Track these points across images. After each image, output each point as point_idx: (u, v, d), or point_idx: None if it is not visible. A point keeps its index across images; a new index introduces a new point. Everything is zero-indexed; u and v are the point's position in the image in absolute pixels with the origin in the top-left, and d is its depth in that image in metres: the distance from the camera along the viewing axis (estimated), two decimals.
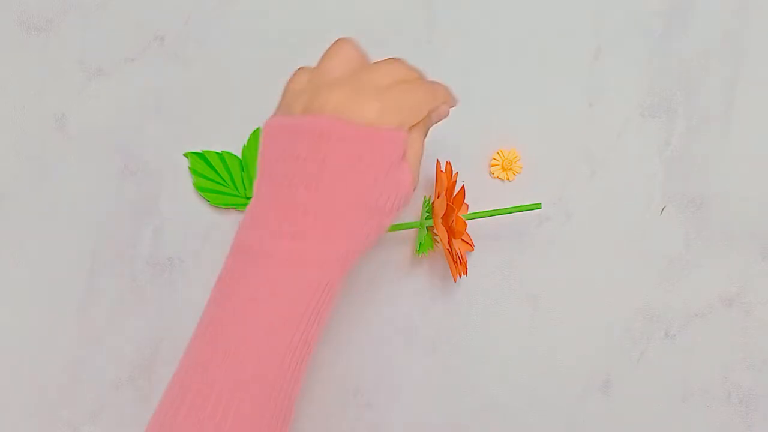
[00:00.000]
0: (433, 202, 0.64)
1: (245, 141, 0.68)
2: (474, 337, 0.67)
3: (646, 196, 0.68)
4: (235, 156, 0.68)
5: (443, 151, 0.67)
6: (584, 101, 0.68)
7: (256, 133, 0.68)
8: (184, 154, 0.68)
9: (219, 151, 0.68)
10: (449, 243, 0.62)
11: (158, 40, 0.69)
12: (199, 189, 0.68)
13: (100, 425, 0.67)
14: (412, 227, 0.65)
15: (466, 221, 0.63)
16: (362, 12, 0.69)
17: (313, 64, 0.52)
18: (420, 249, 0.65)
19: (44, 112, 0.69)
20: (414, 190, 0.51)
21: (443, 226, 0.62)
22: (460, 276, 0.64)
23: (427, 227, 0.65)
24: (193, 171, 0.68)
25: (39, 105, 0.69)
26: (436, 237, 0.65)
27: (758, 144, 0.68)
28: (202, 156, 0.68)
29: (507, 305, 0.67)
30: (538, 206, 0.63)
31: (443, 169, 0.64)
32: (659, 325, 0.66)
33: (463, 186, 0.63)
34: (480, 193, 0.67)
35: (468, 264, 0.66)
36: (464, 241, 0.66)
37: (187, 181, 0.68)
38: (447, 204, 0.62)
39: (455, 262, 0.63)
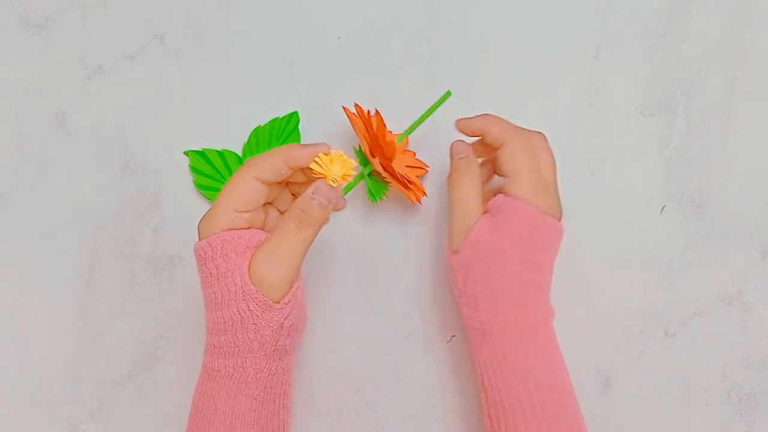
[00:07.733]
0: (360, 146, 0.64)
1: (245, 139, 0.68)
2: None
3: (646, 195, 0.68)
4: (235, 154, 0.68)
5: (445, 151, 0.67)
6: (584, 101, 0.68)
7: (256, 132, 0.68)
8: (184, 152, 0.68)
9: (219, 149, 0.68)
10: (389, 170, 0.62)
11: (158, 39, 0.69)
12: (200, 187, 0.68)
13: (100, 423, 0.67)
14: (357, 182, 0.66)
15: (398, 142, 0.63)
16: (363, 12, 0.69)
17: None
18: (372, 196, 0.65)
19: (44, 109, 0.69)
20: None
21: (378, 159, 0.63)
22: (419, 200, 0.64)
23: (368, 173, 0.65)
24: (194, 169, 0.68)
25: (39, 103, 0.69)
26: (384, 178, 0.65)
27: (758, 143, 0.68)
28: (202, 154, 0.68)
29: None
30: (447, 94, 0.65)
31: (356, 112, 0.63)
32: (659, 324, 0.66)
33: (378, 114, 0.61)
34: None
35: None
36: (412, 166, 0.66)
37: (187, 179, 0.68)
38: (368, 136, 0.61)
39: (405, 187, 0.63)
